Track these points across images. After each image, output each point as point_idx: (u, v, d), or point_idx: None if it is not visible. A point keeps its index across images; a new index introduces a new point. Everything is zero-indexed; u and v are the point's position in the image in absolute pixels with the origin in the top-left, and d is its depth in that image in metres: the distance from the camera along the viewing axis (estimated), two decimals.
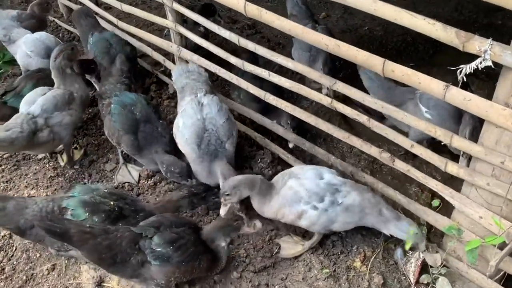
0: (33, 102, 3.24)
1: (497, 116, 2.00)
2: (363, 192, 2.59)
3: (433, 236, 2.81)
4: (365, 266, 2.73)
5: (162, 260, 2.32)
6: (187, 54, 3.85)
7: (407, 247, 2.52)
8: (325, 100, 2.83)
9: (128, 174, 3.42)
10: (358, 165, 3.45)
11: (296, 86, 2.99)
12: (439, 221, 2.53)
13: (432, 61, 4.86)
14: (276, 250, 2.81)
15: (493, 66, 1.95)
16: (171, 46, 3.97)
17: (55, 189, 3.33)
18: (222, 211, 2.69)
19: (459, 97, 2.11)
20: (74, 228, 2.26)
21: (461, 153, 2.64)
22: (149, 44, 4.32)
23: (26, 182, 3.40)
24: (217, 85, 4.43)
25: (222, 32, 3.30)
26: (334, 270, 2.70)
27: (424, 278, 2.53)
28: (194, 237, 2.47)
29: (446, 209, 2.61)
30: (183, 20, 3.88)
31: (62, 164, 3.55)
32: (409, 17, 2.11)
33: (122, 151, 3.44)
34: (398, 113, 2.43)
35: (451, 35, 2.00)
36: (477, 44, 1.93)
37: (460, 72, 2.05)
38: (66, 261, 2.83)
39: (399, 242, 2.79)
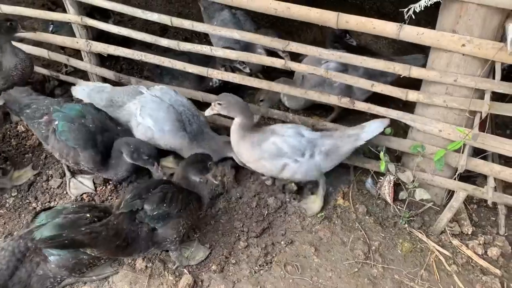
0: None
1: (447, 42, 2.41)
2: (333, 135, 2.87)
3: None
4: (347, 201, 3.05)
5: (163, 219, 2.43)
6: (99, 46, 3.60)
7: (382, 167, 2.88)
8: (279, 63, 2.99)
9: (81, 185, 3.17)
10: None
11: (244, 56, 3.08)
12: (402, 144, 2.94)
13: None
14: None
15: (440, 1, 2.32)
16: (77, 42, 3.66)
17: (4, 223, 2.94)
18: (207, 112, 2.87)
19: (412, 33, 2.46)
20: (77, 234, 2.25)
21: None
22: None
23: None
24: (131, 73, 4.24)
25: (149, 15, 3.18)
26: (321, 213, 2.96)
27: (403, 195, 2.94)
28: (174, 186, 2.57)
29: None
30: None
31: None
32: None
33: (68, 165, 3.16)
34: (356, 59, 2.72)
35: None
36: None
37: (408, 11, 2.39)
38: None
39: (367, 174, 3.16)
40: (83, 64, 3.85)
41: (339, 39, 4.03)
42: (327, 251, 2.76)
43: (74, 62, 3.88)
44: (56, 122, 2.83)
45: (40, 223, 2.41)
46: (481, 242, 2.80)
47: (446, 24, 2.42)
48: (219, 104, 2.79)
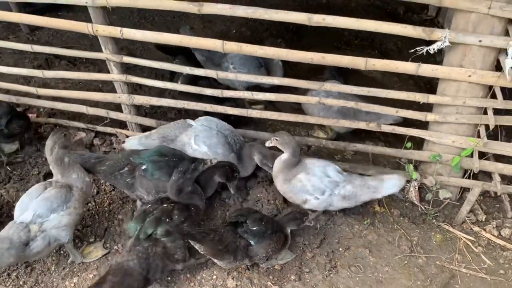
0: (28, 207, 3.01)
1: (457, 74, 3.10)
2: (355, 182, 3.35)
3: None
4: (382, 207, 3.67)
5: (259, 237, 2.98)
6: (141, 99, 4.05)
7: (414, 176, 3.53)
8: (313, 100, 3.58)
9: None
10: None
11: (283, 96, 3.66)
12: (422, 155, 3.61)
13: (299, 44, 5.95)
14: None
15: (450, 45, 3.00)
16: (119, 97, 4.09)
17: (97, 267, 3.32)
18: (267, 143, 3.44)
19: (427, 69, 3.13)
20: (194, 231, 2.90)
21: None
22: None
23: (59, 274, 3.28)
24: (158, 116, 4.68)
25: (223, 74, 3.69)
26: (367, 219, 3.57)
27: (428, 196, 3.60)
28: (270, 217, 3.22)
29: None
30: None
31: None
32: (387, 26, 3.00)
33: (142, 204, 3.58)
34: (382, 92, 3.36)
35: (419, 31, 2.97)
36: (439, 33, 2.94)
37: (416, 51, 3.06)
38: None
39: None
40: (123, 116, 4.27)
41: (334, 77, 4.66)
42: (378, 250, 3.36)
43: (115, 114, 4.30)
44: (144, 167, 3.31)
45: (136, 229, 2.96)
46: (494, 226, 3.51)
47: (454, 61, 3.11)
48: (276, 139, 3.36)
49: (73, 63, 5.55)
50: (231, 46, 3.40)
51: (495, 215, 3.66)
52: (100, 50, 3.82)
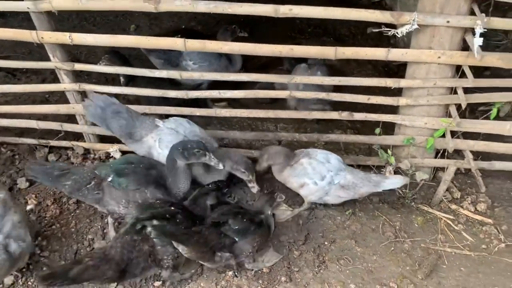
0: None
1: (426, 56, 3.09)
2: (356, 173, 3.32)
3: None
4: None
5: (243, 233, 2.89)
6: None
7: (392, 160, 3.52)
8: (283, 94, 3.47)
9: None
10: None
11: (252, 93, 3.52)
12: (395, 139, 3.60)
13: (252, 37, 5.81)
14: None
15: (418, 27, 2.98)
16: (73, 108, 3.79)
17: None
18: (258, 167, 3.38)
19: (398, 53, 3.11)
20: (178, 232, 2.75)
21: None
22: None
23: None
24: None
25: (157, 73, 3.46)
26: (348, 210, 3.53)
27: (405, 180, 3.60)
28: (251, 211, 3.13)
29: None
30: None
31: None
32: (355, 13, 2.94)
33: (114, 223, 3.33)
34: (351, 80, 3.30)
35: (388, 16, 2.93)
36: (407, 17, 2.91)
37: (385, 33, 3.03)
38: None
39: (368, 169, 3.79)
40: (79, 127, 3.96)
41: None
42: (363, 240, 3.32)
43: (69, 127, 3.98)
44: (110, 178, 3.07)
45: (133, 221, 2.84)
46: (469, 202, 3.58)
47: (422, 43, 3.10)
48: (265, 157, 3.29)
49: (13, 74, 5.09)
50: (194, 44, 3.22)
51: (468, 191, 3.73)
52: (44, 57, 3.53)
